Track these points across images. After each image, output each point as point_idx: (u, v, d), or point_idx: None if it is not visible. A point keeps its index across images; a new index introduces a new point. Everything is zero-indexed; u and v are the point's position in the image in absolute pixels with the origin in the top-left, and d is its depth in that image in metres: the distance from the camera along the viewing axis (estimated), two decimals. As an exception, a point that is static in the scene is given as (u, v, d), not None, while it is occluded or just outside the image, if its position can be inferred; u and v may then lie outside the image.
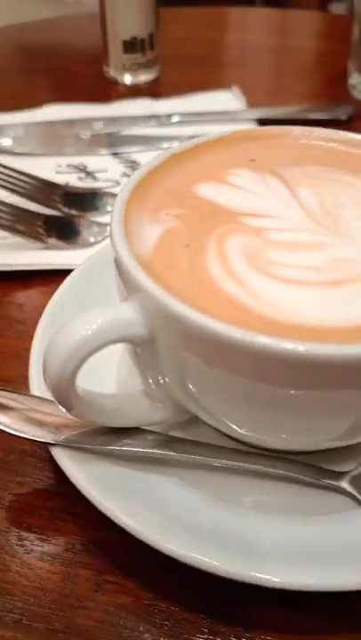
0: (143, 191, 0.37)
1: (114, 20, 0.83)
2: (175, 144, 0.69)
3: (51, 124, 0.75)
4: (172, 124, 0.76)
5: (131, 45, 0.84)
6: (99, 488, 0.34)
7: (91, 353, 0.30)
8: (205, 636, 0.32)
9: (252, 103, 0.81)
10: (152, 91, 0.86)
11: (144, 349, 0.33)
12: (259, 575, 0.31)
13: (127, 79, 0.87)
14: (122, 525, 0.33)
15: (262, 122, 0.76)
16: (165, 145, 0.71)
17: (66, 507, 0.37)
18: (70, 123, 0.75)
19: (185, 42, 0.99)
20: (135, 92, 0.86)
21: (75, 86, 0.87)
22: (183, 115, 0.77)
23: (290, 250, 0.33)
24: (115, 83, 0.87)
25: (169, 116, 0.77)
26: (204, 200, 0.37)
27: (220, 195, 0.38)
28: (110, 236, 0.34)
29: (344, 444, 0.36)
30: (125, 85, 0.87)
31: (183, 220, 0.36)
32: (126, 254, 0.32)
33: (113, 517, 0.33)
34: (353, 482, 0.36)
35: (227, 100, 0.81)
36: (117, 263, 0.33)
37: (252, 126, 0.75)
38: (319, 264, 0.32)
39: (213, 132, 0.43)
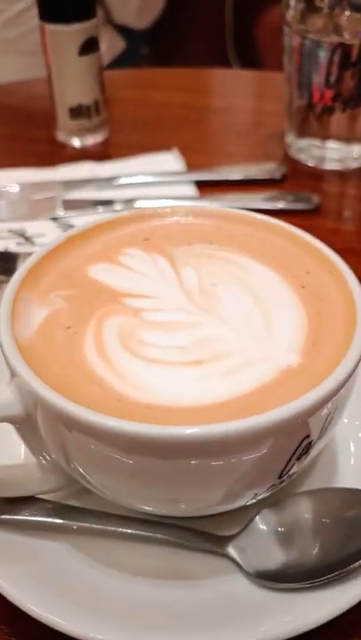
0: (37, 274, 0.40)
1: (60, 88, 0.87)
2: (118, 207, 0.74)
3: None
4: (113, 186, 0.79)
5: (77, 111, 0.88)
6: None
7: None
8: None
9: (191, 164, 0.85)
10: (101, 152, 0.90)
11: (24, 427, 0.35)
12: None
13: (76, 142, 0.91)
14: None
15: (199, 184, 0.80)
16: (101, 209, 0.74)
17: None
18: (15, 188, 0.79)
19: (134, 103, 1.03)
20: (84, 154, 0.89)
21: (28, 150, 0.91)
22: (125, 177, 0.80)
23: (161, 330, 0.36)
24: (64, 146, 0.91)
25: (111, 179, 0.80)
26: (93, 281, 0.40)
27: (110, 275, 0.40)
28: (-2, 320, 0.36)
29: (218, 510, 0.38)
30: (75, 148, 0.91)
31: (70, 302, 0.38)
32: (8, 340, 0.35)
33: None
34: (236, 547, 0.38)
35: (167, 161, 0.85)
36: (2, 347, 0.35)
37: (191, 188, 0.79)
38: (184, 344, 0.35)
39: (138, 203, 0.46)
